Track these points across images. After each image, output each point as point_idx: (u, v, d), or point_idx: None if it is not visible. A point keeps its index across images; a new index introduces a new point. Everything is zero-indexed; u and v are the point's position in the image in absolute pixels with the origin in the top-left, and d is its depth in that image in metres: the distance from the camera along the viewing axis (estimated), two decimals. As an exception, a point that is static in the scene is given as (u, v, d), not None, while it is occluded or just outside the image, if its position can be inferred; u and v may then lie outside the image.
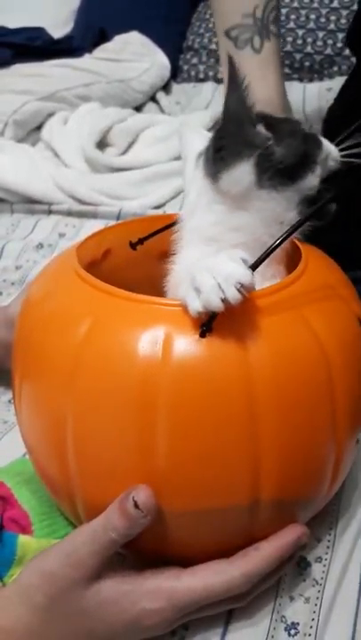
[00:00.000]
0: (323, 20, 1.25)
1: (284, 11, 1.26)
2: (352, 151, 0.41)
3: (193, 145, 0.43)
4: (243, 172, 0.38)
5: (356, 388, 0.37)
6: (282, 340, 0.34)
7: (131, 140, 0.96)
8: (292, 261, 0.41)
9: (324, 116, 0.75)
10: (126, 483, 0.33)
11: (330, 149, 0.41)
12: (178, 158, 0.92)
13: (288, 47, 1.25)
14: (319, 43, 1.24)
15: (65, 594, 0.34)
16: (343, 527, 0.46)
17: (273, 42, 0.56)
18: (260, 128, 0.39)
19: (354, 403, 0.37)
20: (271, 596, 0.41)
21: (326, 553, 0.44)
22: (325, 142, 0.41)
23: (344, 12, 1.24)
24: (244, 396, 0.32)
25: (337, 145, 0.42)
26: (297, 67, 1.25)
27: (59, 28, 1.37)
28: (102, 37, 1.33)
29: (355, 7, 1.20)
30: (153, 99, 1.22)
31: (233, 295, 0.30)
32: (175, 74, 1.31)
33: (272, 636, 0.39)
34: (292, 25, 1.25)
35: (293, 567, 0.43)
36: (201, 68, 1.31)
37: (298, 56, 1.25)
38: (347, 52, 1.20)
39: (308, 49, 1.24)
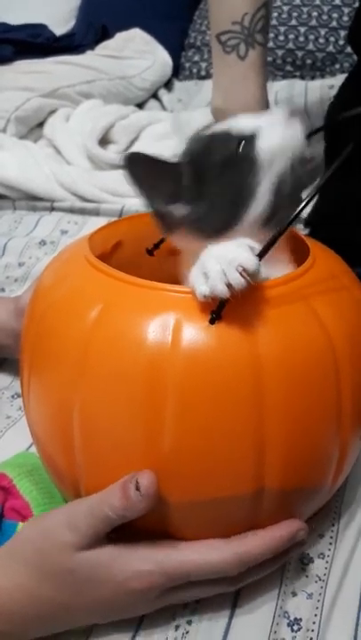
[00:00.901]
0: (325, 17, 1.25)
1: (285, 8, 1.26)
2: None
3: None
4: (182, 237, 0.38)
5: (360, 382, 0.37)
6: (290, 330, 0.34)
7: (133, 137, 0.96)
8: (294, 254, 0.41)
9: (325, 114, 0.75)
10: (132, 470, 0.33)
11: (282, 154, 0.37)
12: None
13: (290, 44, 1.25)
14: (321, 40, 1.24)
15: (57, 551, 0.34)
16: (346, 523, 0.46)
17: (258, 51, 0.56)
18: (175, 207, 0.37)
19: (359, 396, 0.37)
20: (274, 592, 0.41)
21: (329, 549, 0.44)
22: (271, 155, 0.37)
23: (346, 10, 1.24)
24: (252, 384, 0.32)
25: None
26: (299, 64, 1.25)
27: (60, 24, 1.37)
28: (104, 34, 1.33)
29: (357, 4, 1.20)
30: (155, 96, 1.22)
31: (236, 280, 0.31)
32: (177, 71, 1.31)
33: (275, 632, 0.39)
34: (294, 22, 1.25)
35: (296, 563, 0.43)
36: (203, 65, 1.31)
37: (300, 53, 1.25)
38: (349, 49, 1.20)
39: (310, 46, 1.24)
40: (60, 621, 0.37)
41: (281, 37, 1.25)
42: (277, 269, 0.38)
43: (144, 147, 0.95)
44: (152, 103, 1.20)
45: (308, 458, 0.35)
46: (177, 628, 0.39)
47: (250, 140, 0.37)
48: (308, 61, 1.26)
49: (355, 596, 0.41)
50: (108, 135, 0.96)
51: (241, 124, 0.38)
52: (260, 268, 0.32)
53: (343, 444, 0.37)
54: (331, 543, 0.45)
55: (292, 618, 0.40)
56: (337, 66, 1.25)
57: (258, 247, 0.34)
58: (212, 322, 0.32)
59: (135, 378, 0.32)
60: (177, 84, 1.29)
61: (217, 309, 0.32)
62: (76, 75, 1.08)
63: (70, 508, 0.36)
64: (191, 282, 0.33)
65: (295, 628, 0.40)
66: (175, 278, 0.41)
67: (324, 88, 1.13)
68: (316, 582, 0.42)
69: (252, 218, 0.37)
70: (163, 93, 1.21)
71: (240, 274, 0.31)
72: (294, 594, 0.41)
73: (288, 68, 1.26)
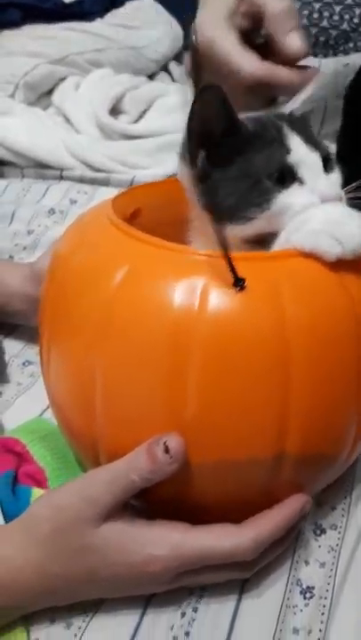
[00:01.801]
0: (340, -7, 1.22)
1: (300, -17, 1.23)
2: None
3: None
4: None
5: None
6: (316, 297, 0.34)
7: (143, 109, 0.94)
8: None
9: (345, 93, 0.73)
10: (153, 433, 0.33)
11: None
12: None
13: (304, 21, 1.22)
14: (336, 17, 1.21)
15: (72, 528, 0.34)
16: (358, 495, 0.46)
17: None
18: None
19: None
20: (287, 561, 0.41)
21: (341, 521, 0.44)
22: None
23: (362, -13, 1.22)
24: (278, 349, 0.32)
25: None
26: (312, 41, 1.23)
27: (69, -9, 1.34)
28: (114, 2, 1.29)
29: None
30: (165, 68, 1.20)
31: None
32: (188, 43, 1.28)
33: (288, 599, 0.39)
34: (309, -2, 1.23)
35: (309, 534, 0.43)
36: (214, 38, 1.29)
37: (313, 30, 1.22)
38: (364, 27, 1.18)
39: (324, 23, 1.22)
40: (69, 596, 0.37)
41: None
42: None
43: (154, 118, 0.93)
44: (162, 75, 1.18)
45: (330, 424, 0.35)
46: (191, 592, 0.39)
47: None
48: (322, 39, 1.23)
49: (366, 565, 0.42)
50: (119, 105, 0.94)
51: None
52: None
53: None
54: (343, 515, 0.45)
55: (304, 586, 0.40)
56: (351, 45, 1.23)
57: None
58: (240, 287, 0.31)
59: (160, 341, 0.32)
60: (187, 57, 1.26)
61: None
62: (86, 42, 1.05)
63: (87, 481, 0.35)
64: (302, 243, 0.34)
65: (308, 595, 0.40)
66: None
67: (338, 66, 1.11)
68: (328, 552, 0.42)
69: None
70: (173, 66, 1.19)
71: None
72: (307, 563, 0.42)
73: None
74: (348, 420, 0.36)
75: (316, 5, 1.23)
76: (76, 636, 0.37)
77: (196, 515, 0.36)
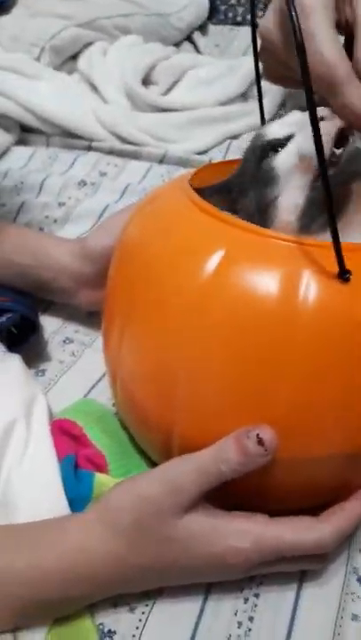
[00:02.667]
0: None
1: None
2: None
3: None
4: None
5: None
6: None
7: (174, 80, 0.91)
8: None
9: None
10: (239, 425, 0.33)
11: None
12: (223, 103, 0.88)
13: None
14: None
15: (156, 520, 0.34)
16: None
17: None
18: None
19: None
20: (344, 550, 0.41)
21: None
22: None
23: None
24: None
25: None
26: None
27: None
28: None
29: None
30: (189, 39, 1.16)
31: None
32: (212, 14, 1.24)
33: (347, 586, 0.40)
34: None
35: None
36: (239, 10, 1.24)
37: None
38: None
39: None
40: (143, 585, 0.37)
41: None
42: None
43: (185, 91, 0.90)
44: (186, 46, 1.14)
45: None
46: (252, 578, 0.39)
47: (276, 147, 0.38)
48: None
49: None
50: (149, 76, 0.91)
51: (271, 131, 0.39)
52: None
53: None
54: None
55: (360, 573, 0.41)
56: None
57: None
58: (345, 278, 0.31)
59: (259, 332, 0.31)
60: (211, 28, 1.22)
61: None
62: (113, 6, 1.01)
63: (172, 471, 0.34)
64: None
65: (364, 583, 0.40)
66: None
67: None
68: (381, 541, 0.43)
69: (281, 226, 0.37)
70: (198, 37, 1.15)
71: None
72: (361, 551, 0.42)
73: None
74: None
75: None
76: (140, 620, 0.37)
77: (270, 504, 0.36)
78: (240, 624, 0.37)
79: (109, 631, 0.36)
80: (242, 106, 0.89)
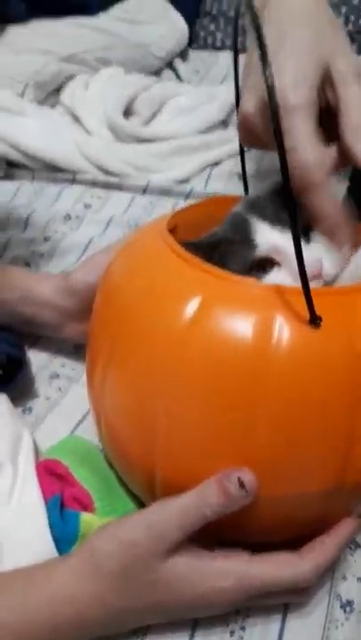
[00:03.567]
0: (347, -7, 1.22)
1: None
2: None
3: None
4: None
5: None
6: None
7: (155, 110, 0.93)
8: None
9: None
10: (219, 465, 0.34)
11: None
12: (204, 131, 0.90)
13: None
14: (341, 19, 1.21)
15: (141, 564, 0.35)
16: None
17: None
18: None
19: None
20: (328, 578, 0.42)
21: (374, 535, 0.46)
22: None
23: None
24: (350, 384, 0.33)
25: None
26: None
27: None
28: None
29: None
30: (170, 65, 1.18)
31: None
32: (191, 40, 1.27)
33: (330, 614, 0.41)
34: (335, 0, 1.22)
35: (345, 550, 0.44)
36: (218, 35, 1.27)
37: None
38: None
39: (350, 27, 1.21)
40: (133, 624, 0.37)
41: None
42: None
43: (166, 120, 0.92)
44: (167, 73, 1.16)
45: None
46: (237, 612, 0.40)
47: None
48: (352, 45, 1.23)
49: None
50: (130, 106, 0.93)
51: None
52: None
53: None
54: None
55: (344, 600, 0.42)
56: (354, 47, 1.22)
57: None
58: (316, 324, 0.32)
59: (235, 375, 0.32)
60: (192, 54, 1.25)
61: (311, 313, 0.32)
62: (93, 39, 1.03)
63: (156, 515, 0.35)
64: None
65: (348, 609, 0.41)
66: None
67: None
68: (364, 566, 0.44)
69: None
70: (178, 63, 1.18)
71: None
72: (345, 578, 0.43)
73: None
74: None
75: (343, 9, 1.22)
76: (128, 656, 0.38)
77: (252, 538, 0.37)
78: (226, 657, 0.38)
79: (99, 668, 0.37)
80: (222, 133, 0.91)
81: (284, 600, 0.39)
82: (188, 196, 0.80)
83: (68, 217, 0.77)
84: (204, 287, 0.34)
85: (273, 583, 0.36)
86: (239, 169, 0.49)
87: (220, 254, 0.39)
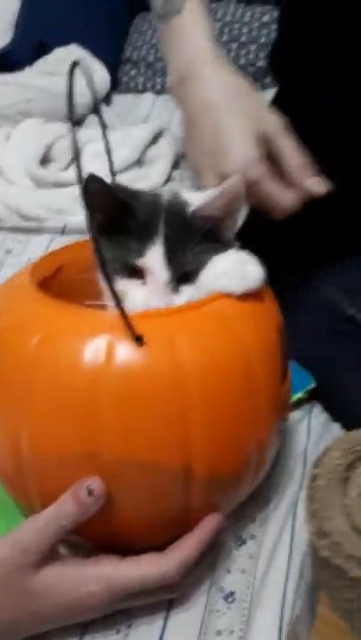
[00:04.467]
0: (254, 33, 1.32)
1: (217, 25, 1.32)
2: None
3: None
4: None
5: (273, 387, 0.43)
6: (209, 345, 0.40)
7: (72, 156, 0.99)
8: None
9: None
10: (76, 476, 0.38)
11: None
12: (119, 171, 0.97)
13: (222, 59, 1.31)
14: (251, 56, 1.31)
15: (13, 577, 0.38)
16: (274, 507, 0.52)
17: (194, 1, 0.57)
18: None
19: (272, 400, 0.43)
20: (210, 572, 0.47)
21: (259, 531, 0.50)
22: None
23: (274, 27, 1.31)
24: (177, 393, 0.38)
25: None
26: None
27: (-4, 40, 1.38)
28: (42, 50, 1.35)
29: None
30: (94, 109, 1.26)
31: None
32: (115, 85, 1.35)
33: (211, 604, 0.45)
34: (225, 38, 1.32)
35: (230, 545, 0.49)
36: (140, 80, 1.36)
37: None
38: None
39: (242, 61, 1.31)
40: (17, 635, 0.40)
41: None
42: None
43: (83, 164, 0.99)
44: (92, 118, 1.24)
45: (230, 451, 0.41)
46: (122, 611, 0.43)
47: None
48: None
49: (282, 569, 0.48)
50: (49, 154, 0.99)
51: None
52: None
53: (261, 438, 0.43)
54: (261, 526, 0.51)
55: (227, 591, 0.46)
56: (267, 80, 1.32)
57: None
58: (140, 342, 0.37)
59: (76, 395, 0.37)
60: (115, 98, 1.33)
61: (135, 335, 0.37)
62: (15, 94, 1.10)
63: (21, 531, 0.39)
64: (221, 284, 0.42)
65: (230, 600, 0.45)
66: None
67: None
68: (248, 560, 0.48)
69: None
70: (102, 107, 1.25)
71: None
72: (229, 571, 0.47)
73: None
74: (246, 445, 0.43)
75: (234, 45, 1.32)
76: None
77: (124, 542, 0.41)
78: (111, 653, 0.42)
79: None
80: (136, 171, 0.98)
81: (157, 597, 0.42)
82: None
83: (-11, 263, 0.82)
84: (47, 320, 0.40)
85: (140, 583, 0.40)
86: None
87: (121, 226, 0.43)
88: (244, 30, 1.32)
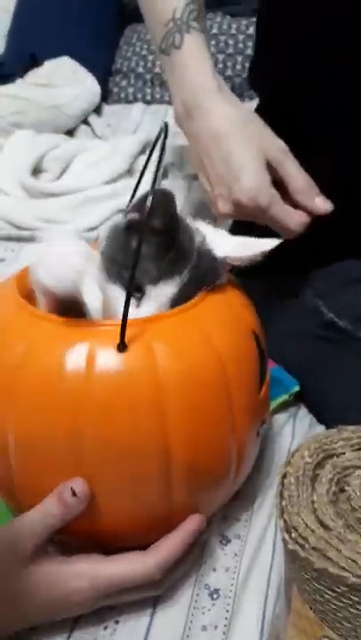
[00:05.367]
0: (240, 45, 1.35)
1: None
2: None
3: None
4: None
5: (250, 392, 0.45)
6: (186, 352, 0.41)
7: (64, 166, 1.02)
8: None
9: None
10: (61, 478, 0.40)
11: None
12: (108, 182, 0.99)
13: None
14: (238, 67, 1.33)
15: (2, 576, 0.39)
16: (258, 506, 0.54)
17: (194, 35, 0.59)
18: None
19: (249, 404, 0.45)
20: (195, 570, 0.48)
21: (244, 530, 0.52)
22: None
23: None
24: (155, 399, 0.39)
25: None
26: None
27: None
28: (33, 62, 1.37)
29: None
30: (85, 121, 1.28)
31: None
32: (106, 95, 1.38)
33: (196, 601, 0.46)
34: (213, 50, 1.34)
35: (215, 544, 0.50)
36: (130, 90, 1.38)
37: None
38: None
39: (229, 72, 1.34)
40: (13, 627, 0.42)
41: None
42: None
43: (74, 175, 1.01)
44: (83, 128, 1.26)
45: (208, 453, 0.43)
46: (112, 608, 0.45)
47: None
48: (228, 85, 1.35)
49: (266, 567, 0.49)
50: (40, 164, 1.01)
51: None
52: None
53: (239, 443, 0.45)
54: (245, 525, 0.52)
55: (212, 589, 0.48)
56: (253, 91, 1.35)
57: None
58: (119, 349, 0.39)
59: (59, 401, 0.39)
60: (106, 108, 1.35)
61: (121, 339, 0.39)
62: (7, 106, 1.12)
63: (7, 532, 0.40)
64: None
65: (215, 596, 0.47)
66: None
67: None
68: (233, 558, 0.50)
69: None
70: (93, 119, 1.27)
71: None
72: (214, 569, 0.49)
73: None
74: (225, 450, 0.44)
75: (220, 57, 1.34)
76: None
77: (109, 543, 0.43)
78: (98, 649, 0.43)
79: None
80: (127, 181, 1.00)
81: (141, 594, 0.44)
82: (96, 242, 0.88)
83: (-18, 272, 0.84)
84: (31, 329, 0.41)
85: (123, 580, 0.41)
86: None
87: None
88: (231, 42, 1.35)
